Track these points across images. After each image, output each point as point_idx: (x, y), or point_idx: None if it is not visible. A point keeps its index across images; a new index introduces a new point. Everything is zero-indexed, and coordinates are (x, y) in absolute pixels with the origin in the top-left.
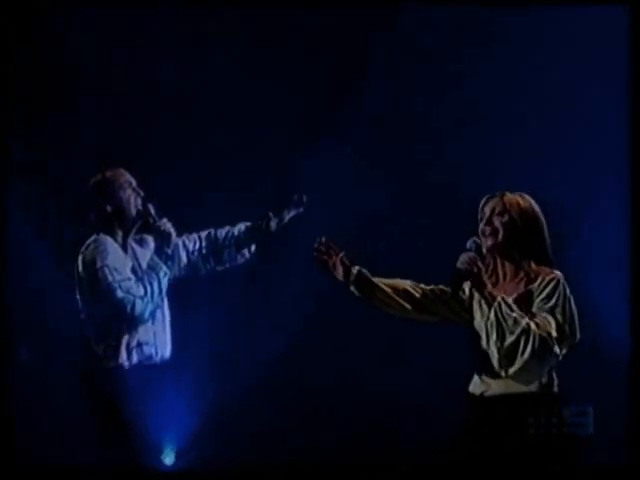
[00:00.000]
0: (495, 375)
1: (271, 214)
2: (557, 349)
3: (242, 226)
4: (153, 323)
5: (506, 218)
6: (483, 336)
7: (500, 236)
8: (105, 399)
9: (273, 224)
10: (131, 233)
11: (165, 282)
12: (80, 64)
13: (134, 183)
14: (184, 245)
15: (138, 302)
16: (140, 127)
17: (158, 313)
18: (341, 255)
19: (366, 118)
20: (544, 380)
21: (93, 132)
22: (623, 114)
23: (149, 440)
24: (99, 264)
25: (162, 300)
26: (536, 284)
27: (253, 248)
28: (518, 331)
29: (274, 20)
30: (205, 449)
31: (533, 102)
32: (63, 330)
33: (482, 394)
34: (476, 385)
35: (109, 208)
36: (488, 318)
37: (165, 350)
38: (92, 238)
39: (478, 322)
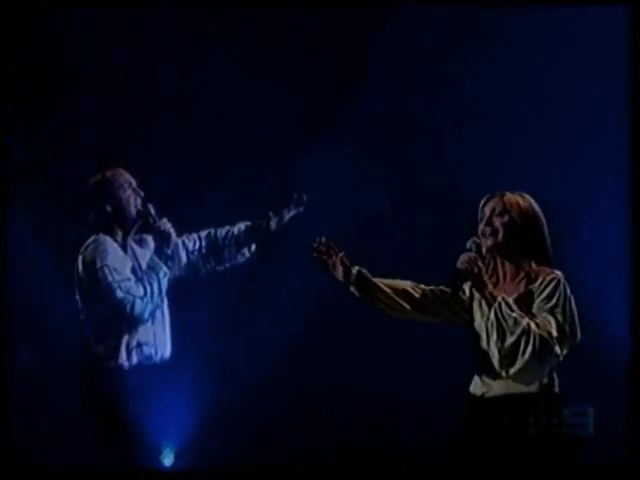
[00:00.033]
0: (496, 376)
1: (271, 213)
2: (558, 349)
3: (242, 225)
4: (153, 323)
5: (506, 218)
6: (483, 336)
7: (500, 236)
8: (105, 399)
9: (273, 223)
10: (131, 233)
11: (165, 282)
12: (80, 64)
13: (134, 183)
14: (184, 245)
15: (138, 302)
16: (140, 127)
17: (158, 313)
18: (341, 255)
19: (366, 118)
20: (545, 380)
21: (93, 132)
22: (623, 114)
23: (149, 440)
24: (99, 264)
25: (162, 300)
26: (536, 284)
27: (253, 248)
28: (518, 331)
29: (274, 20)
30: (205, 449)
31: (533, 102)
32: (63, 330)
33: (483, 395)
34: (477, 386)
35: (109, 208)
36: (488, 318)
37: (165, 350)
38: (92, 238)
39: (478, 322)
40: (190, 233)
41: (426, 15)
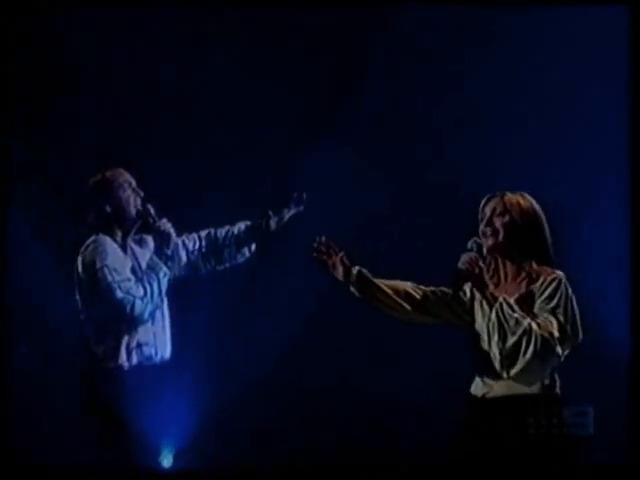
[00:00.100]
0: (497, 376)
1: (271, 213)
2: (559, 350)
3: (242, 225)
4: (153, 324)
5: (507, 218)
6: (485, 337)
7: (501, 236)
8: (105, 399)
9: (273, 223)
10: (130, 233)
11: (165, 282)
12: (80, 64)
13: (134, 183)
14: (184, 245)
15: (138, 302)
16: (140, 127)
17: (158, 313)
18: (341, 255)
19: (366, 118)
20: (546, 381)
21: (93, 132)
22: (623, 114)
23: (149, 440)
24: (99, 265)
25: (162, 300)
26: (538, 284)
27: (253, 247)
28: (520, 332)
29: (274, 20)
30: (205, 449)
31: (533, 102)
32: (63, 330)
33: (484, 396)
34: (478, 387)
35: (108, 208)
36: (490, 319)
37: (165, 351)
38: (91, 238)
39: (479, 323)
40: (190, 233)
41: (426, 15)
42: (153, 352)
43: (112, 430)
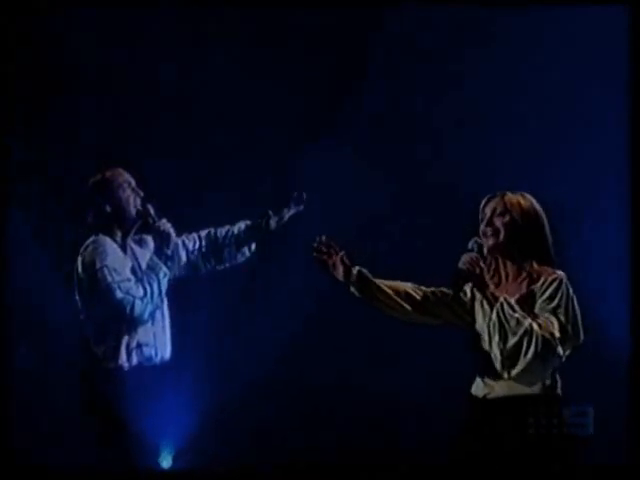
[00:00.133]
0: (498, 377)
1: (271, 212)
2: (560, 350)
3: (242, 225)
4: (153, 324)
5: (507, 218)
6: (485, 337)
7: (501, 236)
8: (105, 400)
9: (273, 222)
10: (130, 233)
11: (165, 283)
12: (80, 64)
13: (133, 183)
14: (184, 245)
15: (138, 303)
16: (140, 127)
17: (158, 314)
18: (341, 254)
19: (366, 118)
20: (547, 382)
21: (93, 132)
22: (623, 114)
23: (149, 441)
24: (98, 265)
25: (162, 301)
26: (538, 284)
27: (253, 247)
28: (521, 332)
29: (274, 20)
30: (205, 449)
31: (533, 102)
32: (63, 330)
33: (485, 396)
34: (479, 387)
35: (108, 208)
36: (490, 319)
37: (165, 351)
38: (91, 239)
39: (480, 324)
40: (190, 233)
41: (426, 15)
42: (153, 352)
43: (112, 430)
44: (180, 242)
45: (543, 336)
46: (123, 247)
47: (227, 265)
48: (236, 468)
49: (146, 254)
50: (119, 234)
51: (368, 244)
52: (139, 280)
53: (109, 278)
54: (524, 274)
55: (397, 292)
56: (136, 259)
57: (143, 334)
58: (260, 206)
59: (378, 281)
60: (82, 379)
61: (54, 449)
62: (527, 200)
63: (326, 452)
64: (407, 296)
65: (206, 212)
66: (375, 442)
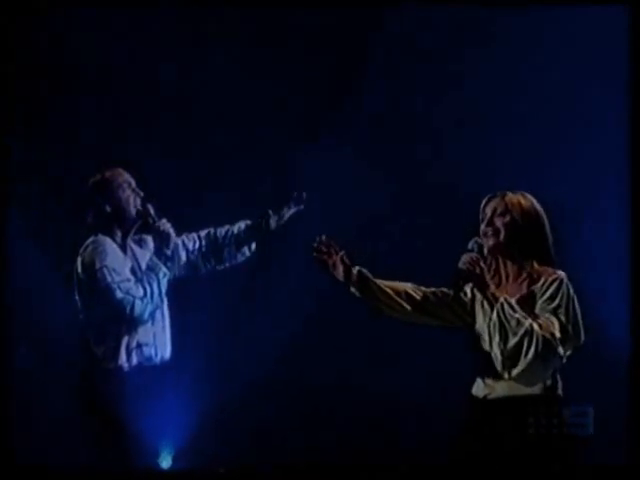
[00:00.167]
0: (498, 377)
1: (270, 212)
2: (561, 350)
3: (242, 224)
4: (153, 324)
5: (508, 218)
6: (486, 338)
7: (502, 236)
8: (104, 400)
9: (273, 222)
10: (130, 233)
11: (164, 283)
12: (80, 64)
13: (133, 183)
14: (184, 244)
15: (137, 303)
16: (140, 127)
17: (158, 314)
18: (341, 254)
19: (366, 118)
20: (548, 382)
21: (93, 132)
22: (623, 114)
23: (149, 441)
24: (98, 265)
25: (162, 301)
26: (539, 285)
27: (253, 246)
28: (521, 332)
29: (274, 20)
30: (205, 449)
31: (533, 102)
32: (63, 330)
33: (485, 397)
34: (479, 388)
35: (108, 208)
36: (491, 319)
37: (165, 351)
38: (91, 239)
39: (480, 324)
40: (190, 233)
41: (426, 15)
42: (153, 353)
43: (112, 430)
44: (180, 242)
45: (544, 336)
46: (123, 247)
47: (227, 265)
48: (236, 468)
49: (146, 254)
50: (119, 234)
51: (368, 244)
52: (139, 280)
53: (109, 278)
54: (524, 274)
55: (397, 292)
56: (136, 259)
57: (143, 334)
58: (260, 206)
59: (378, 281)
60: (82, 379)
61: (54, 449)
62: (528, 200)
63: (326, 452)
64: (407, 296)
65: (206, 212)
66: (375, 442)
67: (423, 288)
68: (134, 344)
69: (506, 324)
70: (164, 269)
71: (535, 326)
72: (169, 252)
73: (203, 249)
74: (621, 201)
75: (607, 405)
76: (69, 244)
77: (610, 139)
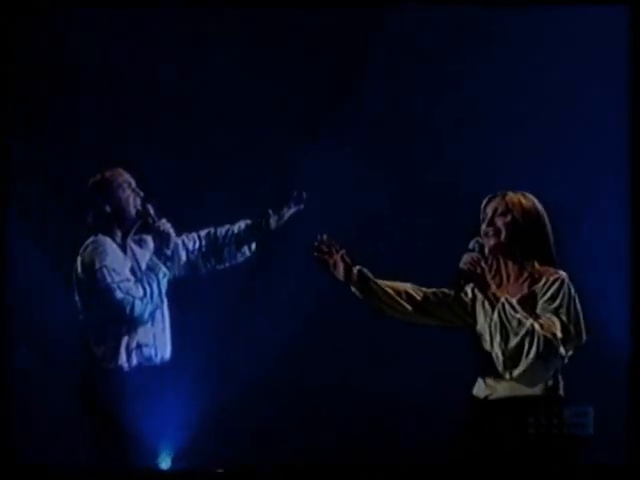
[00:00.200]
0: (499, 378)
1: (271, 212)
2: (562, 350)
3: (242, 224)
4: (153, 324)
5: (508, 218)
6: (487, 338)
7: (503, 236)
8: (104, 400)
9: (273, 222)
10: (130, 234)
11: (164, 283)
12: (80, 64)
13: (133, 183)
14: (184, 244)
15: (137, 303)
16: (140, 127)
17: (157, 314)
18: (342, 253)
19: (366, 118)
20: (550, 382)
21: (93, 132)
22: (623, 114)
23: (149, 441)
24: (98, 265)
25: (162, 301)
26: (540, 284)
27: (253, 246)
28: (522, 332)
29: (274, 20)
30: (205, 449)
31: (533, 102)
32: (63, 330)
33: (486, 397)
34: (480, 388)
35: (108, 208)
36: (492, 319)
37: (165, 351)
38: (91, 239)
39: (481, 324)
40: (190, 233)
41: (426, 15)
42: (153, 353)
43: (112, 430)
44: (180, 242)
45: (545, 336)
46: (123, 247)
47: (227, 265)
48: (236, 468)
49: (146, 254)
50: (119, 234)
51: (368, 244)
52: (139, 280)
53: (109, 278)
54: (526, 274)
55: (398, 292)
56: (136, 259)
57: (143, 334)
58: (260, 206)
59: (379, 281)
60: (82, 379)
61: (54, 449)
62: (528, 200)
63: (326, 452)
64: (408, 296)
65: (206, 212)
66: (375, 442)
67: (424, 288)
68: (134, 344)
69: (507, 324)
70: (164, 269)
71: (536, 326)
72: (169, 252)
73: (203, 249)
74: (621, 201)
75: (607, 405)
76: (69, 244)
77: (610, 139)
